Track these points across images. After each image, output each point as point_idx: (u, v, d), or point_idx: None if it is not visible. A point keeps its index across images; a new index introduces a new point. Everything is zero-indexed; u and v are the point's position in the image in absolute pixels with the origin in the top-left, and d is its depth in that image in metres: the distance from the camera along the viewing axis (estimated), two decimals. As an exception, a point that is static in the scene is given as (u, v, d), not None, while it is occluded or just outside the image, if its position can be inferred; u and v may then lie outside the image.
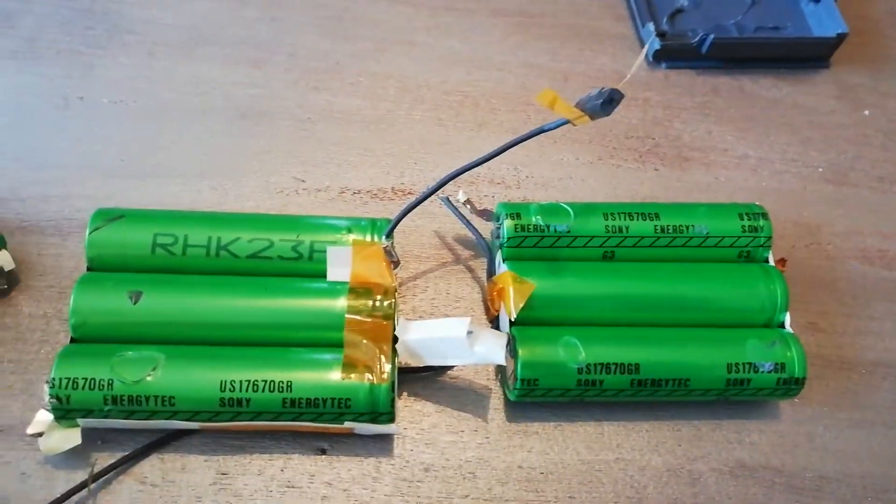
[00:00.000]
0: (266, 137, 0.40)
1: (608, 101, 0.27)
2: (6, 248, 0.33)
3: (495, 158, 0.32)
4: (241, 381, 0.28)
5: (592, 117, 0.28)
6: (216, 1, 0.45)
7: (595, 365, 0.31)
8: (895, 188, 0.42)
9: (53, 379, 0.28)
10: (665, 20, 0.47)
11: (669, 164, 0.42)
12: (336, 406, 0.29)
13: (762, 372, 0.32)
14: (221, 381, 0.28)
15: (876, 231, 0.41)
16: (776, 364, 0.32)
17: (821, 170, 0.43)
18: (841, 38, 0.46)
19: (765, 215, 0.35)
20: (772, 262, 0.35)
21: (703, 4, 0.48)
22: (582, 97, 0.30)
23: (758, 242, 0.35)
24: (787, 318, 0.34)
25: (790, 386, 0.32)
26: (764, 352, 0.32)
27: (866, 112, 0.45)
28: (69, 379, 0.28)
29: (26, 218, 0.35)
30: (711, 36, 0.45)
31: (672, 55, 0.46)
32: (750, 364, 0.32)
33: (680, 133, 0.43)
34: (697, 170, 0.42)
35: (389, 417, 0.30)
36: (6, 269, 0.33)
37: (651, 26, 0.46)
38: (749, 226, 0.35)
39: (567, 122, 0.30)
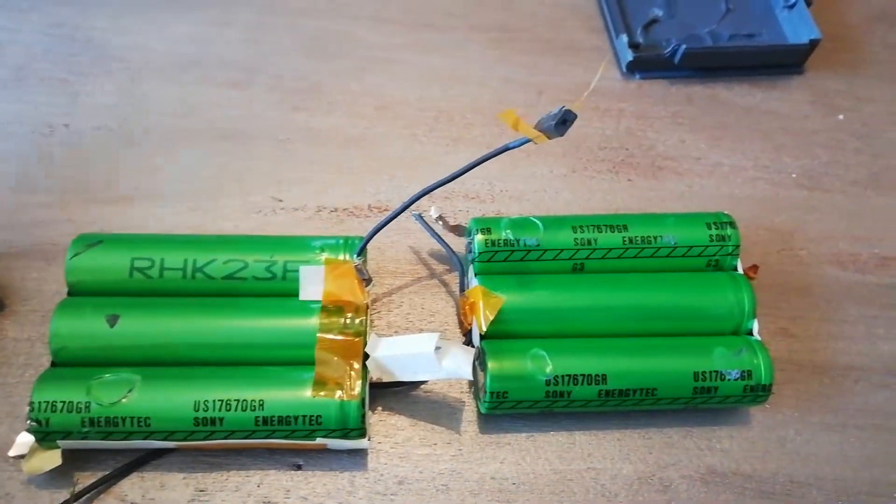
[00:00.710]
0: (246, 158, 0.41)
1: (561, 122, 0.28)
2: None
3: (469, 173, 0.32)
4: (213, 401, 0.29)
5: (549, 137, 0.29)
6: (199, 24, 0.46)
7: (563, 377, 0.32)
8: (868, 192, 0.43)
9: (33, 403, 0.29)
10: (640, 31, 0.48)
11: (643, 174, 0.42)
12: (307, 423, 0.30)
13: (729, 379, 0.32)
14: (195, 402, 0.29)
15: (849, 235, 0.41)
16: (742, 371, 0.33)
17: (794, 175, 0.43)
18: (814, 44, 0.46)
19: (732, 224, 0.36)
20: (740, 270, 0.36)
21: (677, 14, 0.49)
22: (542, 116, 0.30)
23: (726, 251, 0.35)
24: (756, 326, 0.34)
25: (757, 393, 0.33)
26: (730, 360, 0.33)
27: (840, 117, 0.46)
28: (48, 402, 0.29)
29: (11, 243, 0.36)
30: (683, 46, 0.45)
31: (645, 66, 0.46)
32: (717, 372, 0.32)
33: (653, 143, 0.44)
34: (671, 179, 0.42)
35: (360, 433, 0.30)
36: None
37: (625, 38, 0.46)
38: (717, 234, 0.35)
39: (529, 140, 0.31)
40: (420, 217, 0.37)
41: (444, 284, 0.38)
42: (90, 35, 0.45)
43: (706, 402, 0.33)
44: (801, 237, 0.41)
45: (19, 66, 0.43)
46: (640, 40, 0.47)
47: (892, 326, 0.38)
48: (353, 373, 0.31)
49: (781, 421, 0.35)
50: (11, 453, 0.30)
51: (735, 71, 0.47)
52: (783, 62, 0.47)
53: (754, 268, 0.37)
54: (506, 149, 0.32)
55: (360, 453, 0.32)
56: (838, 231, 0.41)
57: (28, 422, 0.29)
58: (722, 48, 0.47)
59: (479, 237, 0.35)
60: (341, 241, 0.34)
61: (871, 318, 0.38)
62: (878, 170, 0.43)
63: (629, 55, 0.46)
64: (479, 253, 0.35)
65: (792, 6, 0.48)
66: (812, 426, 0.35)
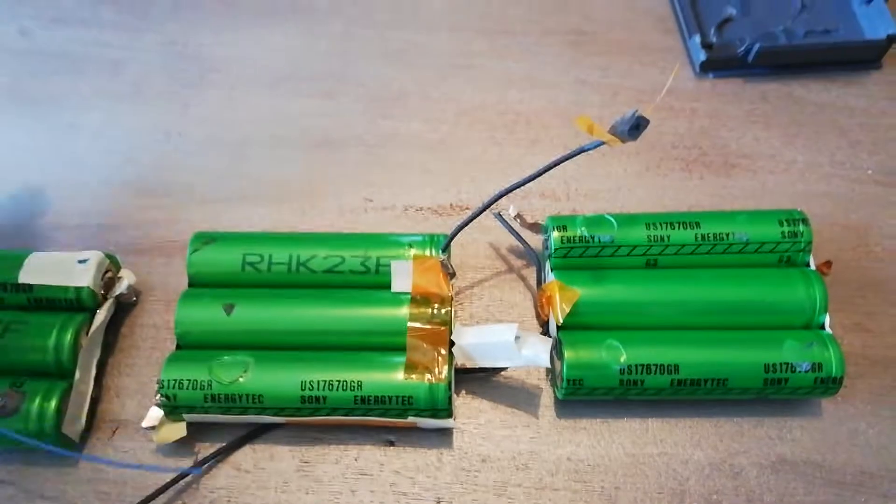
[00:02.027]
0: (338, 163, 0.45)
1: (634, 127, 0.30)
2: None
3: (545, 174, 0.35)
4: (318, 381, 0.33)
5: (622, 141, 0.31)
6: (290, 38, 0.50)
7: (636, 366, 0.34)
8: (948, 188, 0.42)
9: (162, 381, 0.33)
10: (713, 30, 0.49)
11: (716, 172, 0.44)
12: (400, 403, 0.33)
13: (799, 371, 0.34)
14: (302, 381, 0.33)
15: (927, 231, 0.41)
16: (813, 364, 0.34)
17: (870, 172, 0.43)
18: (892, 39, 0.46)
19: (805, 220, 0.37)
20: (812, 266, 0.37)
21: (751, 12, 0.49)
22: (616, 120, 0.32)
23: (798, 247, 0.36)
24: (827, 320, 0.35)
25: (828, 385, 0.34)
26: (801, 352, 0.34)
27: (920, 112, 0.45)
28: (176, 380, 0.33)
29: (136, 241, 0.41)
30: (758, 45, 0.46)
31: (718, 66, 0.47)
32: (787, 364, 0.34)
33: (727, 141, 0.45)
34: (744, 176, 0.43)
35: (447, 413, 0.33)
36: (131, 283, 0.38)
37: (698, 38, 0.47)
38: (789, 231, 0.37)
39: (603, 143, 0.33)
40: (500, 215, 0.40)
41: (522, 279, 0.40)
42: (196, 51, 0.49)
43: (777, 394, 0.34)
44: (877, 234, 0.41)
45: (137, 82, 0.48)
46: (714, 40, 0.48)
47: (971, 322, 0.38)
48: (440, 358, 0.34)
49: (853, 414, 0.36)
50: (144, 424, 0.34)
51: (810, 68, 0.48)
52: (860, 58, 0.47)
53: (828, 263, 0.37)
54: (581, 151, 0.34)
55: (447, 432, 0.35)
56: (916, 227, 0.41)
57: (158, 396, 0.33)
58: (797, 46, 0.47)
59: (555, 234, 0.37)
60: (427, 238, 0.37)
61: (948, 314, 0.38)
62: (959, 165, 0.43)
63: (702, 55, 0.47)
64: (556, 249, 0.37)
65: (870, 1, 0.48)
66: (884, 420, 0.36)
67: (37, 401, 0.33)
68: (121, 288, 0.37)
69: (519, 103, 0.47)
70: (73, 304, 0.36)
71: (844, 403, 0.36)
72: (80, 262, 0.36)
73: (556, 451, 0.35)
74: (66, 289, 0.35)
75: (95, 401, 0.36)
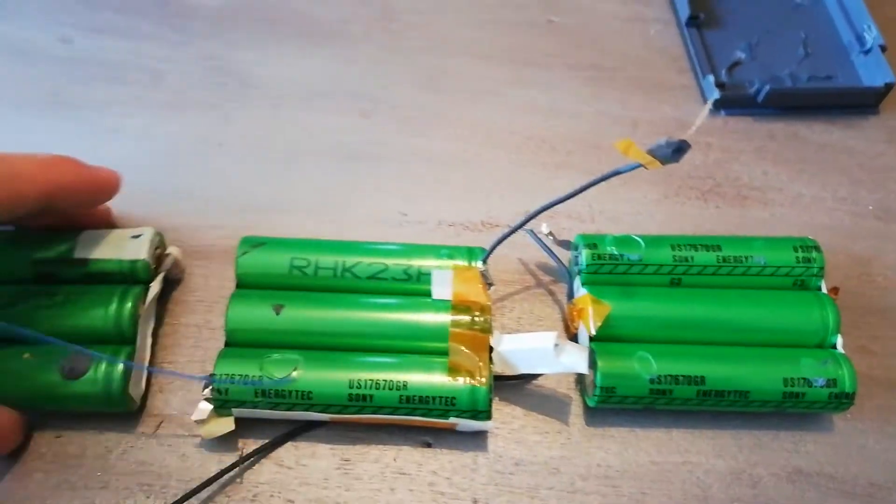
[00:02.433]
0: (372, 177, 0.46)
1: (678, 150, 0.32)
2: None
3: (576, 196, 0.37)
4: (365, 380, 0.34)
5: (663, 163, 0.33)
6: (328, 60, 0.52)
7: (665, 376, 0.36)
8: (942, 225, 0.46)
9: (215, 374, 0.34)
10: (724, 72, 0.52)
11: (730, 202, 0.46)
12: (443, 403, 0.34)
13: (816, 386, 0.36)
14: (350, 380, 0.34)
15: (924, 264, 0.44)
16: (828, 379, 0.36)
17: (871, 208, 0.47)
18: (889, 87, 0.50)
19: (817, 248, 0.39)
20: (824, 290, 0.39)
21: (759, 56, 0.53)
22: (652, 145, 0.35)
23: (811, 272, 0.39)
24: (839, 341, 0.38)
25: (841, 400, 0.36)
26: (817, 368, 0.36)
27: (915, 155, 0.49)
28: (228, 375, 0.34)
29: (178, 244, 0.42)
30: (767, 86, 0.49)
31: (731, 104, 0.51)
32: (804, 379, 0.36)
33: (739, 174, 0.48)
34: (755, 207, 0.46)
35: (487, 415, 0.35)
36: (178, 258, 0.40)
37: (711, 78, 0.51)
38: (803, 257, 0.39)
39: (640, 166, 0.35)
40: (533, 232, 0.42)
41: (551, 293, 0.42)
42: (237, 67, 0.51)
43: (794, 407, 0.36)
44: (879, 264, 0.44)
45: (179, 91, 0.50)
46: (725, 80, 0.51)
47: (967, 348, 0.41)
48: (481, 363, 0.35)
49: (862, 430, 0.38)
50: (194, 418, 0.35)
51: (813, 110, 0.51)
52: (859, 103, 0.51)
53: (835, 290, 0.40)
54: (616, 173, 0.36)
55: (482, 436, 0.37)
56: (914, 260, 0.44)
57: (209, 389, 0.34)
58: (802, 89, 0.51)
59: (586, 251, 0.39)
60: (466, 250, 0.39)
61: (946, 340, 0.41)
62: (951, 205, 0.47)
63: (716, 93, 0.50)
64: (587, 265, 0.39)
65: (867, 51, 0.52)
66: (891, 437, 0.38)
67: (103, 364, 0.34)
68: (169, 263, 0.39)
69: (543, 129, 0.49)
70: (128, 278, 0.37)
71: (853, 420, 0.38)
72: (134, 237, 0.38)
73: (586, 457, 0.37)
74: (121, 262, 0.37)
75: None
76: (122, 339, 0.36)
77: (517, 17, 0.56)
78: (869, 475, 0.37)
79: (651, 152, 0.34)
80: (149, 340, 0.37)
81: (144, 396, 0.37)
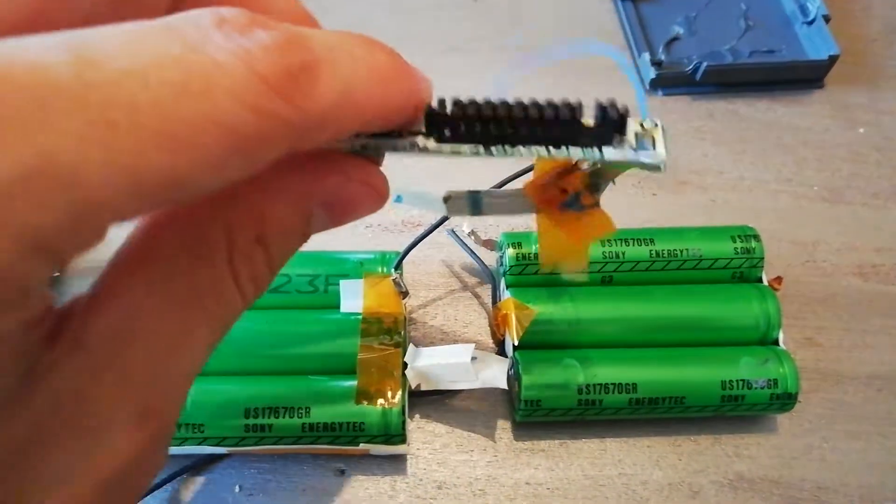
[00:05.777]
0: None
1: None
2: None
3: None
4: (263, 409, 0.31)
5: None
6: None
7: (594, 385, 0.33)
8: (889, 204, 0.43)
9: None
10: (661, 49, 0.49)
11: (667, 188, 0.44)
12: (351, 430, 0.31)
13: (756, 388, 0.33)
14: (246, 409, 0.31)
15: (871, 247, 0.42)
16: (769, 380, 0.34)
17: (816, 188, 0.44)
18: (833, 59, 0.47)
19: (756, 237, 0.37)
20: (765, 282, 0.37)
21: (698, 32, 0.50)
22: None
23: (751, 263, 0.37)
24: (781, 335, 0.35)
25: (783, 401, 0.34)
26: (757, 369, 0.34)
27: (861, 130, 0.47)
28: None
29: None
30: (705, 63, 0.46)
31: (668, 83, 0.48)
32: (743, 381, 0.33)
33: (676, 158, 0.45)
34: (694, 193, 0.44)
35: (401, 438, 0.32)
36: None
37: (646, 56, 0.48)
38: (742, 248, 0.37)
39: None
40: (453, 232, 0.39)
41: (477, 296, 0.39)
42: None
43: (734, 410, 0.34)
44: (824, 249, 0.42)
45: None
46: (662, 58, 0.48)
47: (916, 336, 0.39)
48: (393, 382, 0.32)
49: (808, 429, 0.36)
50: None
51: (756, 86, 0.49)
52: (803, 77, 0.49)
53: (778, 279, 0.38)
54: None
55: (400, 459, 0.34)
56: (861, 243, 0.42)
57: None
58: (742, 65, 0.48)
59: (510, 251, 0.36)
60: (378, 256, 0.36)
61: (893, 328, 0.39)
62: (899, 182, 0.44)
63: (652, 73, 0.47)
64: (511, 266, 0.36)
65: (811, 22, 0.49)
66: (838, 434, 0.36)
67: None
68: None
69: (471, 118, 0.46)
70: None
71: (799, 418, 0.36)
72: None
73: (514, 475, 0.34)
74: None
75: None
76: None
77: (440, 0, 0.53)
78: (815, 478, 0.35)
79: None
80: None
81: None
